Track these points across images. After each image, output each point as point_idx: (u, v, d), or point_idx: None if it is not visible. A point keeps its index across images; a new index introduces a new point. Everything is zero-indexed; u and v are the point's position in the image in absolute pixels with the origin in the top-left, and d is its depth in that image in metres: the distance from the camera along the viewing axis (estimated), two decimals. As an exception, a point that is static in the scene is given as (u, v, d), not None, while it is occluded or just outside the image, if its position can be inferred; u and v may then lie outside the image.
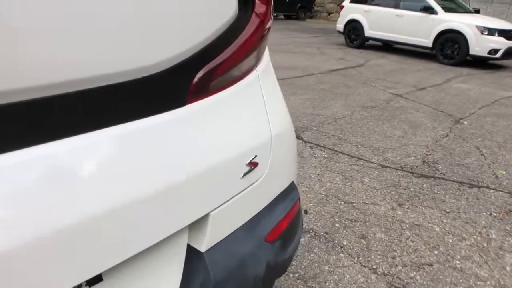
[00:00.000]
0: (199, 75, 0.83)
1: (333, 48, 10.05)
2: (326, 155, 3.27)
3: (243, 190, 0.96)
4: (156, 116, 0.77)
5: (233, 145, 0.92)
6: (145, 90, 0.74)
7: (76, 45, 0.62)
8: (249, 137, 0.98)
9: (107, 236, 0.68)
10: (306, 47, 9.93)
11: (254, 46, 0.97)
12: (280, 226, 1.08)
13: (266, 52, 1.20)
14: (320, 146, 3.47)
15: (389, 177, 2.93)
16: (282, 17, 20.55)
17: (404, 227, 2.29)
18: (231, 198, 0.93)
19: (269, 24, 1.05)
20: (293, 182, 1.22)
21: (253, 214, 1.02)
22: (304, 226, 2.24)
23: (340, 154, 3.32)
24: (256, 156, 0.97)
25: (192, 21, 0.80)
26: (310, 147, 3.42)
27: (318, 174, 2.91)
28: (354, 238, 2.16)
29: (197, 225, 0.88)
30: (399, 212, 2.45)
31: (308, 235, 2.16)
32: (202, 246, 0.90)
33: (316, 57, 8.38)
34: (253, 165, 0.96)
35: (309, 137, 3.66)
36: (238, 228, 0.98)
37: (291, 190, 1.18)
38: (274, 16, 20.03)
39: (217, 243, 0.93)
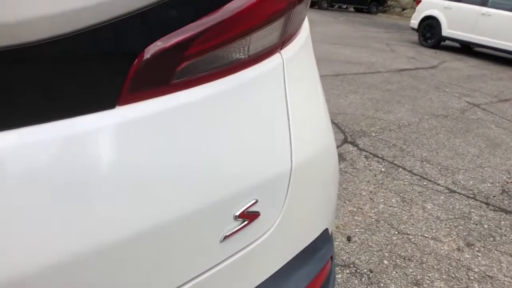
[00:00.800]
0: (148, 54, 0.46)
1: (404, 46, 9.26)
2: (383, 169, 2.81)
3: (224, 260, 0.58)
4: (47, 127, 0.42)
5: (207, 184, 0.54)
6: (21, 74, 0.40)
7: None
8: (245, 168, 0.59)
9: None
10: (374, 42, 9.24)
11: (273, 10, 0.57)
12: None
13: (305, 27, 0.79)
14: (378, 156, 3.01)
15: (458, 206, 2.42)
16: (352, 9, 19.66)
17: (472, 277, 1.82)
18: (199, 275, 0.56)
19: None
20: (326, 230, 0.84)
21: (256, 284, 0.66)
22: (344, 258, 1.85)
23: (400, 169, 2.84)
24: (256, 201, 0.59)
25: None
26: (366, 157, 2.98)
27: (371, 192, 2.48)
28: (405, 284, 1.73)
29: None
30: (467, 255, 1.97)
31: (347, 271, 1.77)
32: None
33: (385, 54, 7.72)
34: (248, 217, 0.59)
35: (365, 145, 3.20)
36: None
37: (321, 244, 0.79)
38: (343, 8, 19.27)
39: None
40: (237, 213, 0.57)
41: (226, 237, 0.56)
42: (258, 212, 0.61)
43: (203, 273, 0.56)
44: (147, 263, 0.50)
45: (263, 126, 0.62)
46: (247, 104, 0.59)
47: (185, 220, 0.52)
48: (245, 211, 0.58)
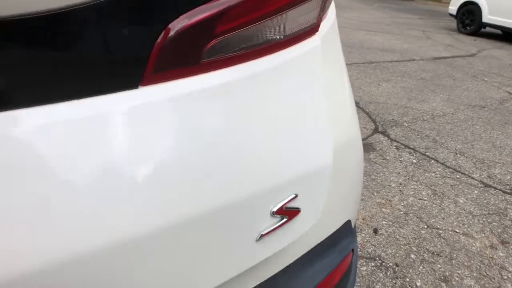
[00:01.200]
0: (173, 30, 0.43)
1: (441, 33, 8.87)
2: (414, 160, 2.72)
3: (259, 263, 0.53)
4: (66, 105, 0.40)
5: (240, 176, 0.49)
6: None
7: None
8: (283, 159, 0.54)
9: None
10: (409, 29, 8.91)
11: None
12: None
13: (332, 6, 0.74)
14: (409, 147, 2.91)
15: (493, 201, 2.32)
16: (387, -6, 19.02)
17: (505, 277, 1.74)
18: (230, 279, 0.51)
19: None
20: (348, 222, 0.80)
21: (267, 277, 0.64)
22: (370, 250, 1.81)
23: (432, 161, 2.74)
24: (295, 196, 0.55)
25: None
26: (397, 148, 2.89)
27: (401, 184, 2.40)
28: (432, 280, 1.68)
29: None
30: (501, 254, 1.89)
31: (372, 264, 1.73)
32: None
33: (420, 41, 7.44)
34: (287, 214, 0.54)
35: (397, 135, 3.11)
36: None
37: (342, 236, 0.75)
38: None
39: None
40: (275, 209, 0.53)
41: (262, 236, 0.52)
42: (298, 208, 0.56)
43: (234, 277, 0.52)
44: (169, 263, 0.46)
45: (302, 113, 0.57)
46: (284, 89, 0.54)
47: (214, 216, 0.48)
48: (284, 206, 0.54)
